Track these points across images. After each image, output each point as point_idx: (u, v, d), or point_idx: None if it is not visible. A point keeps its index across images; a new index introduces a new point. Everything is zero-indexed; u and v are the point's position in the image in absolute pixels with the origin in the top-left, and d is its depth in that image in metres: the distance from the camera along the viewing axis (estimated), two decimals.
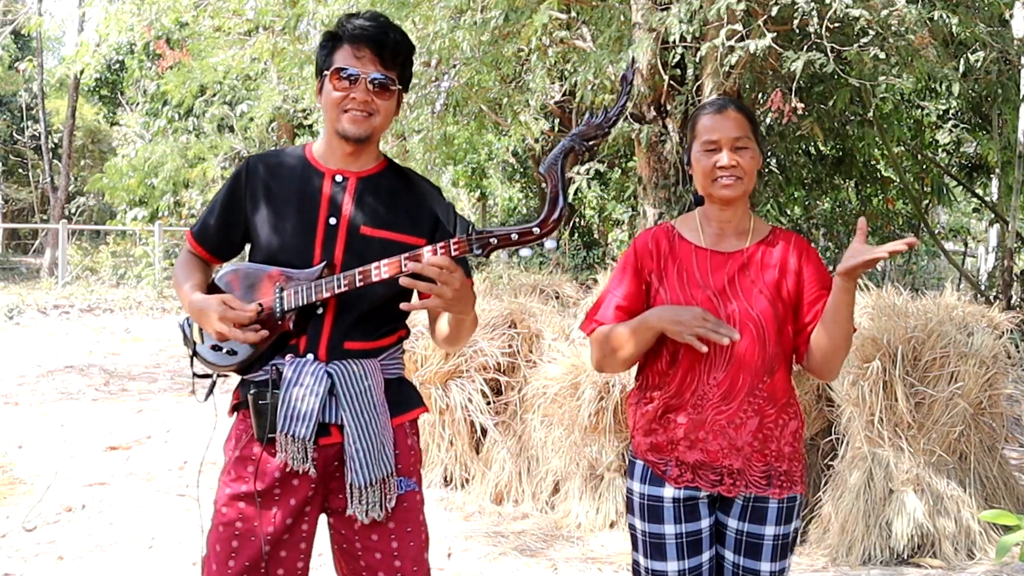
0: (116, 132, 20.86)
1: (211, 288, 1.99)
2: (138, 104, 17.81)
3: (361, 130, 1.90)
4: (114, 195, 15.95)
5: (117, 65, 18.79)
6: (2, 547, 3.83)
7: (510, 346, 4.59)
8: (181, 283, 2.01)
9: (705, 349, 1.86)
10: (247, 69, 8.51)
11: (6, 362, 8.42)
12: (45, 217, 24.10)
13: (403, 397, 2.00)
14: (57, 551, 3.79)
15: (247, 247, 2.06)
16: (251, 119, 10.71)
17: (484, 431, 4.62)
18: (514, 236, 1.75)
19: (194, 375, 2.07)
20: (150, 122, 16.85)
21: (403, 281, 1.76)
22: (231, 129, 14.80)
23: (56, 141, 24.01)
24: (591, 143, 1.80)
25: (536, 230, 1.74)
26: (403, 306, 1.83)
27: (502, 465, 4.53)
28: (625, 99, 1.81)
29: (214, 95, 12.58)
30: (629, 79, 1.81)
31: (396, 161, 2.07)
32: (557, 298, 5.57)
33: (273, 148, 14.69)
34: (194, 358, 2.04)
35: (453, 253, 1.75)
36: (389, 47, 1.90)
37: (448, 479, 4.66)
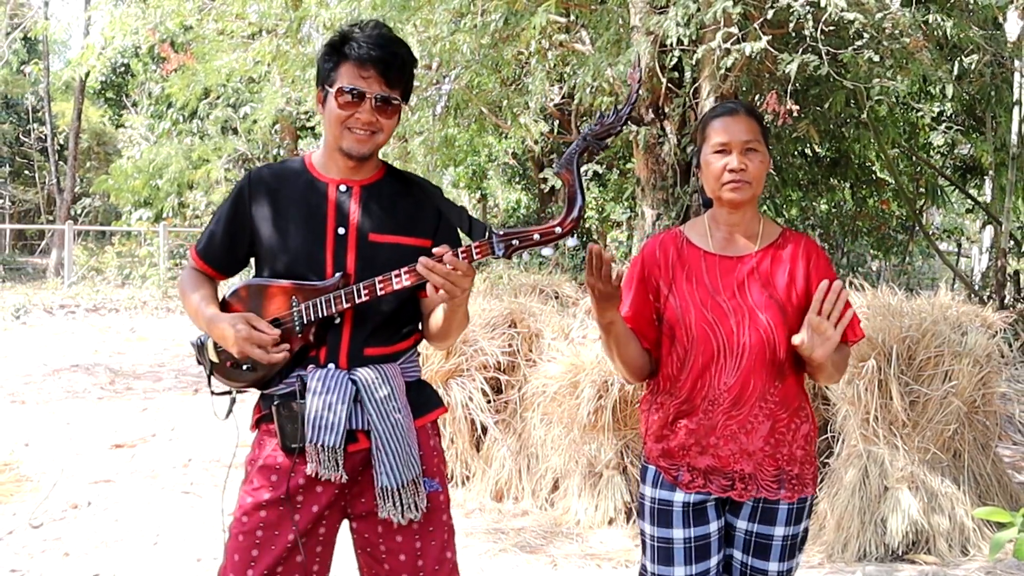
0: (121, 134, 20.87)
1: (223, 306, 1.97)
2: (143, 106, 17.82)
3: (365, 149, 1.90)
4: (119, 196, 15.96)
5: (122, 68, 18.80)
6: (9, 544, 3.83)
7: (510, 345, 4.59)
8: (192, 301, 1.98)
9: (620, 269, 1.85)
10: (250, 72, 8.52)
11: (13, 361, 8.42)
12: (51, 218, 24.11)
13: (423, 399, 2.00)
14: (63, 548, 3.79)
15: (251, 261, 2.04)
16: (255, 121, 10.71)
17: (484, 429, 4.62)
18: (536, 236, 1.74)
19: (213, 393, 2.05)
20: (155, 124, 16.86)
21: (420, 270, 1.76)
22: (235, 131, 14.81)
23: (62, 143, 24.01)
24: (604, 141, 1.79)
25: (558, 229, 1.73)
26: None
27: (502, 463, 4.53)
28: (636, 96, 1.80)
29: (218, 97, 12.59)
30: (638, 78, 1.82)
31: (397, 164, 2.06)
32: (556, 298, 5.57)
33: (275, 155, 14.67)
34: (212, 377, 2.02)
35: (475, 257, 1.75)
36: (395, 67, 1.88)
37: (449, 477, 4.64)
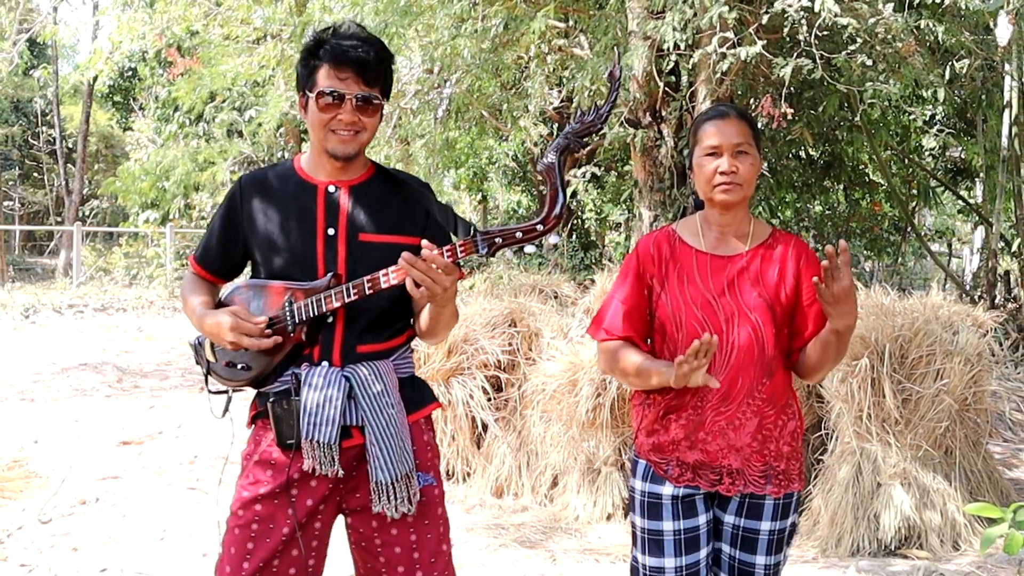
0: (129, 137, 20.87)
1: (219, 307, 1.98)
2: (150, 110, 17.82)
3: (350, 149, 1.89)
4: (127, 198, 15.95)
5: (130, 72, 18.81)
6: (19, 539, 3.82)
7: (510, 344, 4.59)
8: (190, 304, 2.00)
9: (716, 385, 1.84)
10: (255, 76, 8.52)
11: (22, 360, 8.42)
12: (60, 219, 24.10)
13: (417, 394, 2.00)
14: (72, 543, 3.79)
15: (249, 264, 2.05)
16: (259, 124, 10.70)
17: (485, 426, 4.62)
18: (519, 234, 1.75)
19: (209, 392, 2.06)
20: (162, 127, 16.85)
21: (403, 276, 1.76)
22: (240, 134, 14.80)
23: (71, 146, 24.01)
24: (584, 140, 1.79)
25: (540, 227, 1.73)
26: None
27: (502, 459, 4.53)
28: (615, 96, 1.79)
29: (224, 101, 12.57)
30: (617, 76, 1.81)
31: (399, 167, 2.05)
32: (556, 298, 5.57)
33: (279, 157, 14.71)
34: (208, 376, 2.04)
35: (460, 254, 1.75)
36: (372, 65, 1.87)
37: (450, 473, 4.66)
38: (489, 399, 4.57)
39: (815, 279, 1.80)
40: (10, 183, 25.01)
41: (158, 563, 3.58)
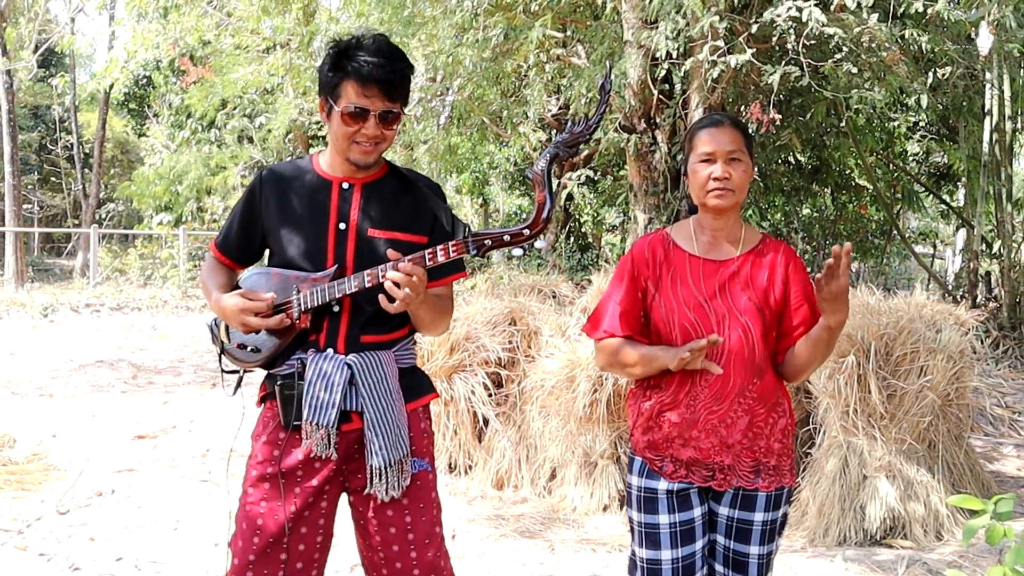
0: (144, 143, 20.88)
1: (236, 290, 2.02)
2: (164, 117, 17.82)
3: (371, 159, 1.93)
4: (142, 201, 15.99)
5: (144, 80, 18.82)
6: (37, 529, 3.82)
7: (510, 342, 4.59)
8: (207, 287, 2.05)
9: (719, 371, 1.88)
10: (265, 83, 8.53)
11: (41, 357, 8.42)
12: (77, 222, 24.10)
13: (416, 384, 2.03)
14: (88, 533, 3.79)
15: (267, 252, 2.09)
16: (269, 131, 10.72)
17: (486, 421, 4.61)
18: (506, 237, 1.78)
19: (222, 371, 2.12)
20: (175, 134, 16.87)
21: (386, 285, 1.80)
22: (250, 140, 14.81)
23: (87, 151, 24.04)
24: (573, 149, 1.80)
25: (526, 231, 1.77)
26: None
27: (503, 453, 4.53)
28: (604, 107, 1.81)
29: (234, 108, 12.57)
30: (607, 89, 1.82)
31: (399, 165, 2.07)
32: (554, 297, 5.57)
33: (285, 159, 14.75)
34: (222, 356, 2.09)
35: (452, 254, 1.79)
36: (396, 84, 1.88)
37: (452, 466, 4.66)
38: (490, 395, 4.57)
39: (818, 276, 1.82)
40: (29, 187, 24.99)
41: (172, 553, 3.57)
